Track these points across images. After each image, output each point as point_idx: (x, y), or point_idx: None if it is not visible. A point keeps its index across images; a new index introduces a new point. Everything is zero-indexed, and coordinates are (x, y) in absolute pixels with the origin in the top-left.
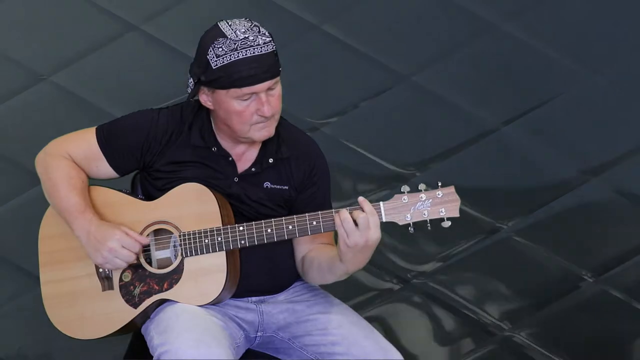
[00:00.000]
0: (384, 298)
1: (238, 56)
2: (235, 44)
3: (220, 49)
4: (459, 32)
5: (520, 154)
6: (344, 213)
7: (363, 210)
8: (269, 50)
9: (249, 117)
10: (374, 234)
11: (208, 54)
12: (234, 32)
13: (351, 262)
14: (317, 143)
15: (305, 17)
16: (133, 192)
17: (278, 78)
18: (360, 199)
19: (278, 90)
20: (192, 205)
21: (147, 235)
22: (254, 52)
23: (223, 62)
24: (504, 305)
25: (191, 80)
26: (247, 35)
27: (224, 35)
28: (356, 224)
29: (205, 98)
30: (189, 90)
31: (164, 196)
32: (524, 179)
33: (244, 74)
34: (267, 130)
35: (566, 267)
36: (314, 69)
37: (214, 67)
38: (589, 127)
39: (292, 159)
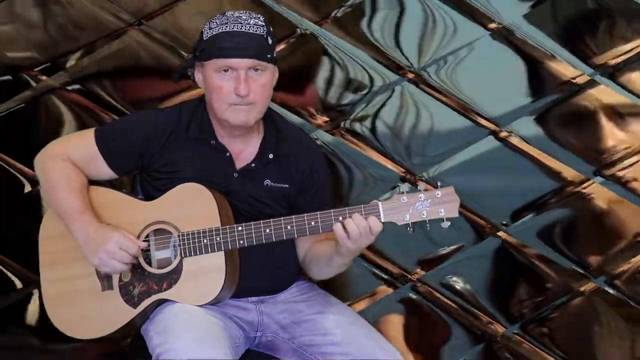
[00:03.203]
0: (383, 297)
1: (225, 29)
2: (227, 19)
3: (214, 23)
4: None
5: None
6: (351, 224)
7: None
8: (257, 32)
9: (226, 95)
10: (371, 239)
11: (204, 27)
12: (233, 12)
13: (348, 255)
14: (316, 142)
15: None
16: (133, 192)
17: (265, 65)
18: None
19: (264, 78)
20: (191, 205)
21: (147, 235)
22: (240, 28)
23: (212, 33)
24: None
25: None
26: (241, 15)
27: (223, 13)
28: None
29: (199, 77)
30: (186, 61)
31: (163, 196)
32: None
33: (225, 44)
34: (244, 115)
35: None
36: (315, 66)
37: (204, 38)
38: None
39: (291, 156)
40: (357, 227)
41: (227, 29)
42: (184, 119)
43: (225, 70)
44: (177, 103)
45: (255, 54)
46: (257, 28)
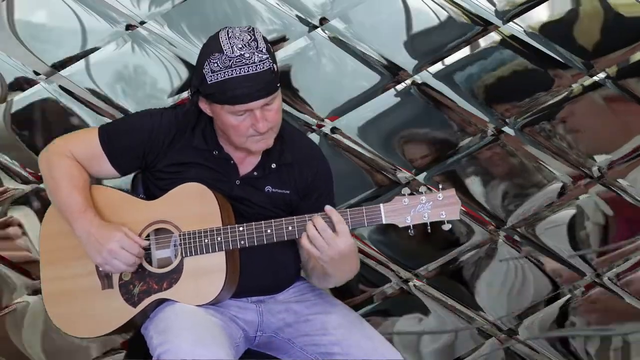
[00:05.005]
0: (383, 298)
1: (232, 74)
2: (230, 60)
3: (216, 65)
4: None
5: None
6: (312, 230)
7: (331, 220)
8: (265, 69)
9: (244, 131)
10: (341, 243)
11: (204, 68)
12: (231, 47)
13: (338, 274)
14: (319, 147)
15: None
16: (134, 192)
17: (276, 94)
18: (328, 208)
19: (276, 104)
20: (192, 205)
21: (148, 234)
22: (248, 71)
23: (217, 78)
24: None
25: (190, 89)
26: (243, 52)
27: (221, 50)
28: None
29: (204, 106)
30: (189, 97)
31: (164, 196)
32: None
33: (237, 92)
34: (264, 143)
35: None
36: (314, 69)
37: (208, 82)
38: None
39: (294, 163)
40: (319, 233)
41: (234, 74)
42: (189, 122)
43: (242, 114)
44: (181, 105)
45: (267, 91)
46: (263, 63)
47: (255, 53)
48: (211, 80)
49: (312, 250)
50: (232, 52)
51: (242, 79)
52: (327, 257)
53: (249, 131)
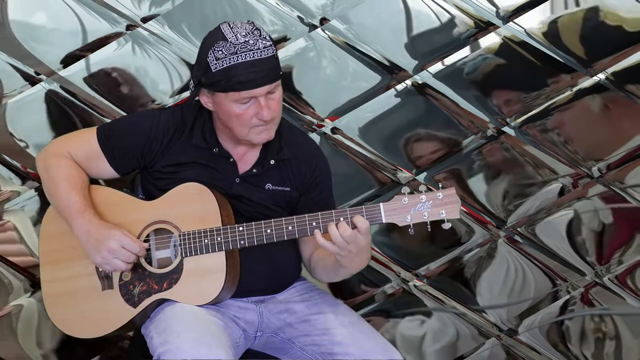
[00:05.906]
0: (383, 298)
1: (237, 60)
2: (235, 47)
3: (220, 52)
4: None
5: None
6: (333, 230)
7: (352, 222)
8: (269, 55)
9: (248, 120)
10: (363, 240)
11: (208, 57)
12: (235, 35)
13: (350, 266)
14: (317, 144)
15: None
16: (133, 192)
17: (278, 82)
18: (357, 218)
19: (278, 94)
20: (192, 205)
21: (148, 234)
22: (253, 56)
23: (222, 65)
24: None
25: (192, 82)
26: (247, 39)
27: (225, 39)
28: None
29: (206, 99)
30: (191, 91)
31: (164, 196)
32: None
33: (243, 77)
34: (266, 134)
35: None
36: (314, 69)
37: (213, 70)
38: None
39: (293, 160)
40: (340, 235)
41: (239, 60)
42: (188, 119)
43: (246, 102)
44: (179, 104)
45: (272, 77)
46: (267, 49)
47: (259, 40)
48: (216, 67)
49: (332, 250)
50: (237, 40)
51: (247, 64)
52: (345, 253)
53: (252, 120)
